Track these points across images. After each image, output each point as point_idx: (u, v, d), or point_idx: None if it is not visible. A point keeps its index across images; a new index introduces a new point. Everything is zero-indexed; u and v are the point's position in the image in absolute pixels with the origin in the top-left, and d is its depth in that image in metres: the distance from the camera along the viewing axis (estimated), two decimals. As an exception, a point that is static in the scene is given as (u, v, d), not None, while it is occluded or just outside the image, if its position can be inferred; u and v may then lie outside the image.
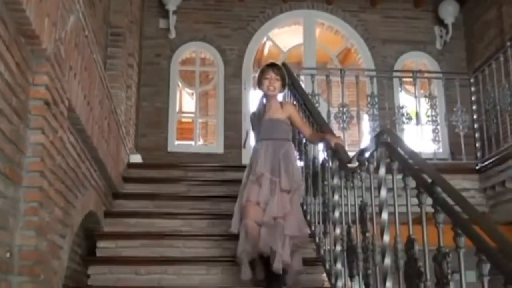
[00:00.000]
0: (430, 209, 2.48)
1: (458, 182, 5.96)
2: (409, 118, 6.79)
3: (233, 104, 8.33)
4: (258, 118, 4.50)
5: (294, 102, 5.17)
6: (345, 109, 6.44)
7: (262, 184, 4.13)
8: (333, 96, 7.58)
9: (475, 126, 6.74)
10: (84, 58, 3.55)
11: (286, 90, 5.24)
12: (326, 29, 9.01)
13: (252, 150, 4.47)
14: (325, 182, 4.14)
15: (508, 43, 6.09)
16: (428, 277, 2.50)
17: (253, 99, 7.96)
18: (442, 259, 2.32)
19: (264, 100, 4.52)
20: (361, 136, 6.71)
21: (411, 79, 7.03)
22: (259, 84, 4.49)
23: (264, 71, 4.47)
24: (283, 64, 5.89)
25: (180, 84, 8.86)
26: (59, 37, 2.89)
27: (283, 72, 4.52)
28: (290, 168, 4.19)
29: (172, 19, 8.30)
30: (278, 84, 4.44)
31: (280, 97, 4.70)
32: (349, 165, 3.68)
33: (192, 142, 8.86)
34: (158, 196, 5.42)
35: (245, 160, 6.62)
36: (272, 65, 4.54)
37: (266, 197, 4.08)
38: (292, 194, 4.15)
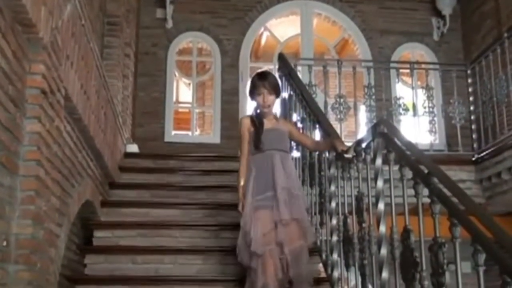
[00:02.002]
0: (426, 200, 2.49)
1: (454, 173, 5.98)
2: (406, 109, 6.79)
3: (230, 95, 8.32)
4: (255, 129, 4.04)
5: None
6: (342, 100, 6.44)
7: (280, 200, 3.72)
8: (330, 87, 7.59)
9: (472, 117, 6.75)
10: (81, 47, 3.54)
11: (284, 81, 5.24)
12: (324, 19, 8.99)
13: (251, 164, 3.94)
14: (322, 173, 4.14)
15: (505, 35, 6.09)
16: (424, 267, 2.51)
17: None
18: (438, 249, 2.33)
19: (258, 110, 4.13)
20: (358, 127, 6.71)
21: (408, 70, 7.03)
22: (252, 96, 4.14)
23: (255, 85, 4.08)
24: (280, 54, 5.89)
25: (177, 74, 8.85)
26: (56, 26, 2.88)
27: (275, 81, 4.16)
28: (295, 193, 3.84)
29: (169, 8, 8.26)
30: (272, 98, 4.08)
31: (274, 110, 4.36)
32: (346, 155, 3.68)
33: (189, 132, 8.87)
34: (154, 186, 5.42)
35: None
36: (263, 78, 4.10)
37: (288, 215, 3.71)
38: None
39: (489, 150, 6.12)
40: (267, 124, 4.05)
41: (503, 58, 6.11)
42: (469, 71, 6.84)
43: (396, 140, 2.96)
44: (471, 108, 6.76)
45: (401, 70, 7.24)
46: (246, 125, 4.08)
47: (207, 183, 5.51)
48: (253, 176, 3.85)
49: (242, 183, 3.94)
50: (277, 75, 5.72)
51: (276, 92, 4.13)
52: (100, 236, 4.56)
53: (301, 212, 3.79)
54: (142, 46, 8.26)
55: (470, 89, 6.78)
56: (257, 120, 4.08)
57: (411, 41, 8.76)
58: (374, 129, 3.18)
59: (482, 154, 6.25)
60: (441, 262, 2.31)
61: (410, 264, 2.57)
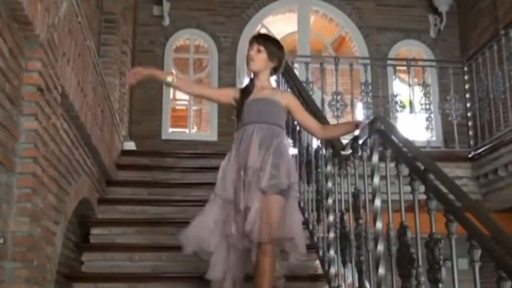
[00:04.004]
0: (422, 197, 2.50)
1: (451, 170, 5.99)
2: (403, 106, 6.80)
3: (227, 92, 8.30)
4: (240, 102, 3.45)
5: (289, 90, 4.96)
6: (339, 97, 6.45)
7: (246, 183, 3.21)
8: (327, 84, 7.57)
9: (469, 114, 6.76)
10: (78, 45, 3.53)
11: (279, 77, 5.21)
12: (321, 16, 8.99)
13: (233, 143, 3.42)
14: (319, 170, 4.15)
15: (502, 31, 6.10)
16: (420, 263, 2.52)
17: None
18: (434, 245, 2.34)
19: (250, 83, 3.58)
20: (355, 124, 6.71)
21: (405, 67, 7.05)
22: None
23: (250, 42, 3.53)
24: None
25: (174, 71, 8.83)
26: (52, 23, 2.88)
27: (272, 45, 3.51)
28: (280, 165, 3.22)
29: (166, 6, 8.25)
30: (261, 57, 3.44)
31: (273, 82, 3.88)
32: (343, 152, 3.68)
33: (186, 130, 8.86)
34: (151, 183, 5.42)
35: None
36: (258, 36, 3.61)
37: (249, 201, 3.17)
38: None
39: (486, 147, 6.14)
40: (256, 93, 3.45)
41: (499, 55, 6.12)
42: (465, 68, 6.85)
43: (392, 137, 2.96)
44: (468, 105, 6.78)
45: (398, 67, 7.25)
46: (233, 96, 3.52)
47: (204, 180, 5.50)
48: (232, 155, 3.32)
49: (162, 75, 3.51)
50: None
51: (270, 54, 3.46)
52: (97, 234, 4.56)
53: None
54: (139, 43, 8.25)
55: (466, 86, 6.80)
56: (245, 89, 3.53)
57: (408, 38, 8.77)
58: (371, 126, 3.19)
59: (478, 151, 6.27)
60: (437, 258, 2.32)
61: (406, 260, 2.58)
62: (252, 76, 3.56)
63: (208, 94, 3.79)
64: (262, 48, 3.44)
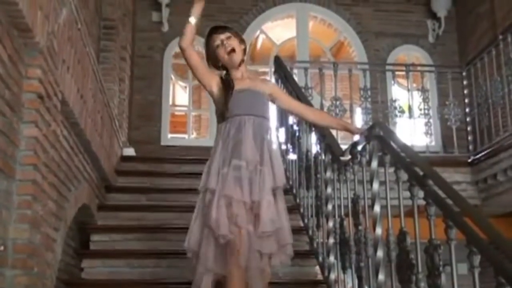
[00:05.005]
0: (422, 202, 2.50)
1: (450, 175, 6.00)
2: (402, 112, 6.82)
3: (226, 97, 8.31)
4: (224, 93, 3.23)
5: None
6: (338, 102, 6.46)
7: (252, 177, 3.01)
8: (326, 89, 7.59)
9: (467, 119, 6.77)
10: (77, 51, 3.54)
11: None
12: (319, 22, 9.01)
13: (217, 132, 3.27)
14: (318, 175, 4.15)
15: (500, 36, 6.11)
16: (420, 269, 2.52)
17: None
18: (433, 251, 2.34)
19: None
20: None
21: (403, 73, 7.06)
22: (214, 61, 3.32)
23: (208, 42, 3.30)
24: (276, 57, 5.90)
25: (173, 77, 8.85)
26: (52, 30, 2.89)
27: (231, 28, 3.38)
28: (275, 162, 3.13)
29: (165, 12, 8.27)
30: (236, 42, 3.26)
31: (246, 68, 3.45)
32: (342, 158, 3.69)
33: (185, 136, 8.87)
34: (151, 189, 5.42)
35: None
36: (213, 29, 3.34)
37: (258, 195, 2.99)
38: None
39: (485, 152, 6.14)
40: (239, 83, 3.25)
41: (498, 60, 6.13)
42: (464, 73, 6.87)
43: (391, 142, 2.97)
44: (467, 110, 6.79)
45: (396, 72, 7.26)
46: (216, 80, 3.28)
47: (204, 186, 5.50)
48: (218, 150, 3.11)
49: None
50: (273, 78, 5.74)
51: (238, 36, 3.32)
52: (97, 240, 4.56)
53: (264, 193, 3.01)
54: (138, 49, 8.27)
55: (465, 91, 6.81)
56: (227, 80, 3.27)
57: (407, 43, 8.78)
58: (370, 132, 3.20)
59: (477, 156, 6.27)
60: (436, 264, 2.32)
61: (406, 266, 2.58)
62: (226, 70, 3.34)
63: (195, 63, 3.25)
64: (229, 34, 3.28)
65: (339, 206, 3.74)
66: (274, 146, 3.20)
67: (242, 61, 3.33)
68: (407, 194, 2.62)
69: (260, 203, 2.97)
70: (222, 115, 3.21)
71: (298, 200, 4.65)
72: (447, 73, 7.00)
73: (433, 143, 7.32)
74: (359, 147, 3.36)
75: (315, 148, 4.35)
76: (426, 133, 6.76)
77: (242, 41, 3.33)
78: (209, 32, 3.33)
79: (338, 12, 8.78)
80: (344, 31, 8.80)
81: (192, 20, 3.18)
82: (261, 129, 3.15)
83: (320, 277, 4.03)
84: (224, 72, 3.36)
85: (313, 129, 4.37)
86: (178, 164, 6.17)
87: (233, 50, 3.23)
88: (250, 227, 2.95)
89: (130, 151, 6.53)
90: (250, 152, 3.03)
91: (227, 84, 3.25)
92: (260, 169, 3.02)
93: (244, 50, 3.34)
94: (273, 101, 3.40)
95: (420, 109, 6.81)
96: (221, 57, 3.26)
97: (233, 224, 2.92)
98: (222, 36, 3.25)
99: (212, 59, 3.32)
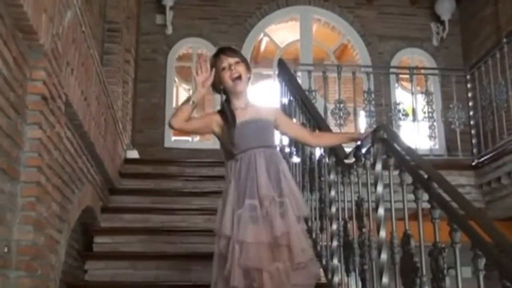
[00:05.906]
0: (426, 205, 2.49)
1: (454, 178, 5.98)
2: (406, 115, 6.80)
3: (229, 100, 8.31)
4: (227, 125, 3.09)
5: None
6: (341, 105, 6.45)
7: (271, 212, 2.90)
8: (329, 92, 7.59)
9: (471, 122, 6.75)
10: (81, 54, 3.55)
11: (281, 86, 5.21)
12: (323, 25, 9.02)
13: (225, 169, 3.12)
14: (322, 178, 4.14)
15: (504, 40, 6.10)
16: (424, 272, 2.51)
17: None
18: (438, 254, 2.33)
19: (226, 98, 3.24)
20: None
21: (407, 76, 7.04)
22: (214, 86, 3.18)
23: (218, 58, 3.16)
24: (280, 60, 5.90)
25: (176, 80, 8.87)
26: (56, 33, 2.90)
27: (241, 54, 3.26)
28: (295, 191, 3.08)
29: (169, 14, 8.30)
30: (242, 68, 3.13)
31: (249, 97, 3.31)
32: (346, 161, 3.68)
33: (189, 138, 8.86)
34: (154, 191, 5.43)
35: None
36: (221, 50, 3.21)
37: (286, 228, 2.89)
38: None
39: (489, 155, 6.12)
40: (242, 114, 3.11)
41: (502, 63, 6.12)
42: (468, 76, 6.84)
43: (395, 145, 2.96)
44: (471, 113, 6.77)
45: (400, 76, 7.27)
46: (215, 120, 3.15)
47: (207, 189, 5.51)
48: (231, 191, 2.97)
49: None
50: (276, 80, 5.74)
51: (245, 61, 3.18)
52: (101, 242, 4.56)
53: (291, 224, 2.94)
54: (142, 52, 8.28)
55: (469, 94, 6.79)
56: (228, 112, 3.12)
57: (411, 47, 8.78)
58: (374, 135, 3.19)
59: (481, 159, 6.25)
60: (441, 267, 2.31)
61: (410, 269, 2.57)
62: (226, 95, 3.22)
63: (192, 128, 3.29)
64: (237, 59, 3.15)
65: (343, 209, 3.72)
66: (289, 174, 3.12)
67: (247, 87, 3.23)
68: (412, 197, 2.60)
69: (289, 234, 2.88)
70: (230, 152, 3.05)
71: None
72: (451, 76, 6.98)
73: (437, 146, 7.31)
74: (363, 150, 3.35)
75: (318, 151, 4.34)
76: (430, 136, 6.74)
77: (248, 68, 3.20)
78: (218, 51, 3.22)
79: (342, 15, 8.79)
80: (347, 34, 8.80)
81: (193, 103, 3.08)
82: (273, 159, 3.04)
83: (323, 280, 4.02)
84: (224, 97, 3.24)
85: (317, 131, 4.36)
86: (181, 166, 6.18)
87: (239, 78, 3.10)
88: (279, 264, 2.86)
89: (133, 154, 6.54)
90: (265, 188, 2.92)
91: (228, 117, 3.10)
92: (279, 200, 2.93)
93: (249, 78, 3.21)
94: (277, 127, 3.28)
95: (424, 112, 6.79)
96: (225, 81, 3.13)
97: (251, 269, 2.84)
98: (231, 60, 3.12)
99: (215, 80, 3.14)
